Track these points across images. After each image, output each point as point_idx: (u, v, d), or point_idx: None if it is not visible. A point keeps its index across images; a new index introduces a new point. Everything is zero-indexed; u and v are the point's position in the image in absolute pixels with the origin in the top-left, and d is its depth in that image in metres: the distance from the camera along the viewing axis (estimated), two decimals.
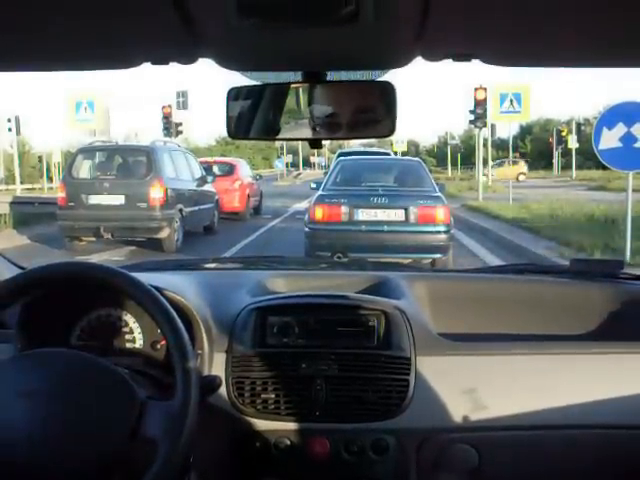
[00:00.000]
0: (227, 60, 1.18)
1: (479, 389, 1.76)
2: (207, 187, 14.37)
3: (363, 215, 8.71)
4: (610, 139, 8.20)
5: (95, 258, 10.75)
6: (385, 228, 8.61)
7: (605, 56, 1.20)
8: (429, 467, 1.81)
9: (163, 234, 11.71)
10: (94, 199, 11.70)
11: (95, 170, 12.53)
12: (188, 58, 1.13)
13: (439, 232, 8.64)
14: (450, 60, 1.15)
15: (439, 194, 9.09)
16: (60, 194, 12.07)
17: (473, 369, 1.80)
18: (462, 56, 1.14)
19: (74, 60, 1.22)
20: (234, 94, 1.36)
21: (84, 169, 12.47)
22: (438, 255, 8.65)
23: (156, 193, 11.62)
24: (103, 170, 12.44)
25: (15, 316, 1.74)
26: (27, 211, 16.12)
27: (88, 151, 12.95)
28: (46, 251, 11.94)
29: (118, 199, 11.63)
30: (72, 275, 1.47)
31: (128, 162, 12.51)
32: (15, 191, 23.24)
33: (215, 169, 17.99)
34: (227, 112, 1.37)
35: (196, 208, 13.23)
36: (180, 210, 12.26)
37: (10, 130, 24.53)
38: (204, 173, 14.63)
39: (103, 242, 12.10)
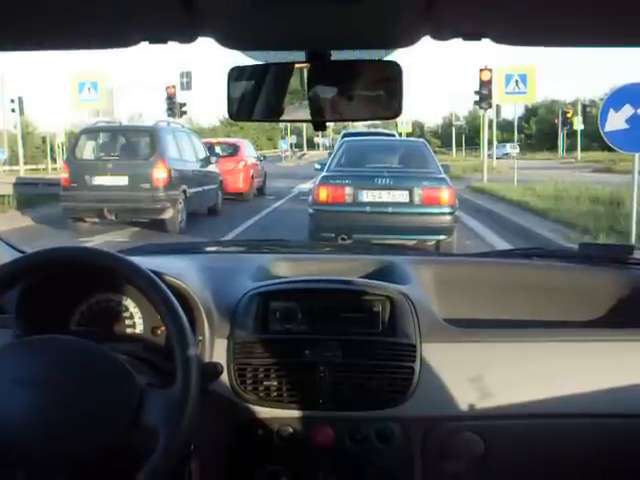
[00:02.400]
0: (227, 39, 1.15)
1: (485, 376, 1.74)
2: (211, 168, 14.36)
3: (367, 196, 8.69)
4: (616, 121, 8.12)
5: (98, 239, 10.79)
6: (389, 209, 8.59)
7: (619, 36, 1.17)
8: (434, 455, 1.79)
9: (166, 215, 11.71)
10: (97, 180, 11.70)
11: (98, 151, 12.54)
12: (187, 37, 1.10)
13: (444, 214, 8.63)
14: (459, 39, 1.11)
15: (444, 175, 9.07)
16: (63, 175, 12.10)
17: (479, 356, 1.77)
18: (472, 35, 1.10)
19: (71, 39, 1.19)
20: (236, 74, 1.33)
21: (87, 150, 12.47)
22: (443, 237, 8.65)
23: (159, 174, 11.60)
24: (106, 151, 12.45)
25: (14, 301, 1.72)
26: (31, 192, 16.15)
27: (92, 132, 12.95)
28: (50, 232, 11.96)
29: (121, 180, 11.63)
30: (71, 260, 1.45)
31: (131, 143, 12.51)
32: (19, 172, 23.31)
33: (219, 150, 18.01)
34: (228, 92, 1.34)
35: (200, 189, 13.22)
36: (184, 191, 12.25)
37: (13, 111, 24.57)
38: (208, 154, 14.59)
39: (106, 223, 12.11)
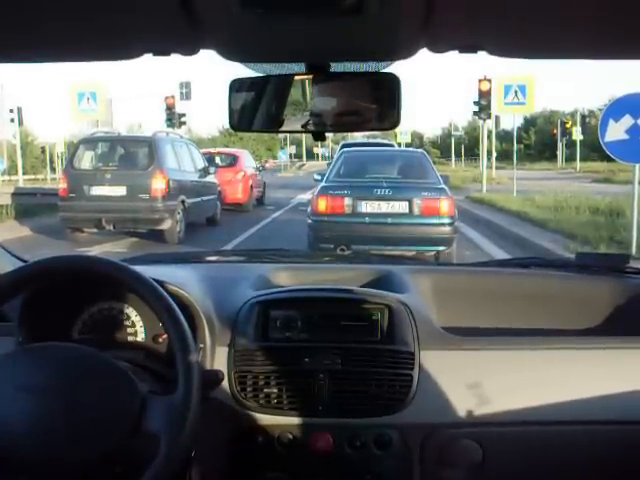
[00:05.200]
0: (229, 51, 1.16)
1: (483, 384, 1.75)
2: (210, 178, 14.34)
3: (366, 207, 8.66)
4: (616, 131, 8.14)
5: (97, 249, 10.78)
6: (389, 220, 8.56)
7: (616, 49, 1.18)
8: (432, 462, 1.80)
9: (165, 225, 11.67)
10: (96, 190, 11.66)
11: (97, 161, 12.50)
12: (189, 49, 1.11)
13: (443, 224, 8.59)
14: (456, 52, 1.13)
15: (443, 186, 9.03)
16: (62, 185, 12.05)
17: (477, 364, 1.78)
18: (468, 47, 1.12)
19: (75, 51, 1.20)
20: (237, 86, 1.35)
21: (86, 160, 12.41)
22: (442, 247, 8.60)
23: (158, 184, 11.57)
24: (105, 161, 12.42)
25: (16, 309, 1.73)
26: (29, 202, 16.13)
27: (90, 142, 12.90)
28: (48, 242, 11.93)
29: (120, 190, 11.58)
30: (74, 268, 1.46)
31: (130, 153, 12.45)
32: (18, 182, 23.30)
33: (218, 160, 18.02)
34: (229, 104, 1.35)
35: (198, 199, 13.19)
36: (182, 201, 12.22)
37: (13, 121, 24.56)
38: (207, 164, 14.59)
39: (105, 233, 12.08)
